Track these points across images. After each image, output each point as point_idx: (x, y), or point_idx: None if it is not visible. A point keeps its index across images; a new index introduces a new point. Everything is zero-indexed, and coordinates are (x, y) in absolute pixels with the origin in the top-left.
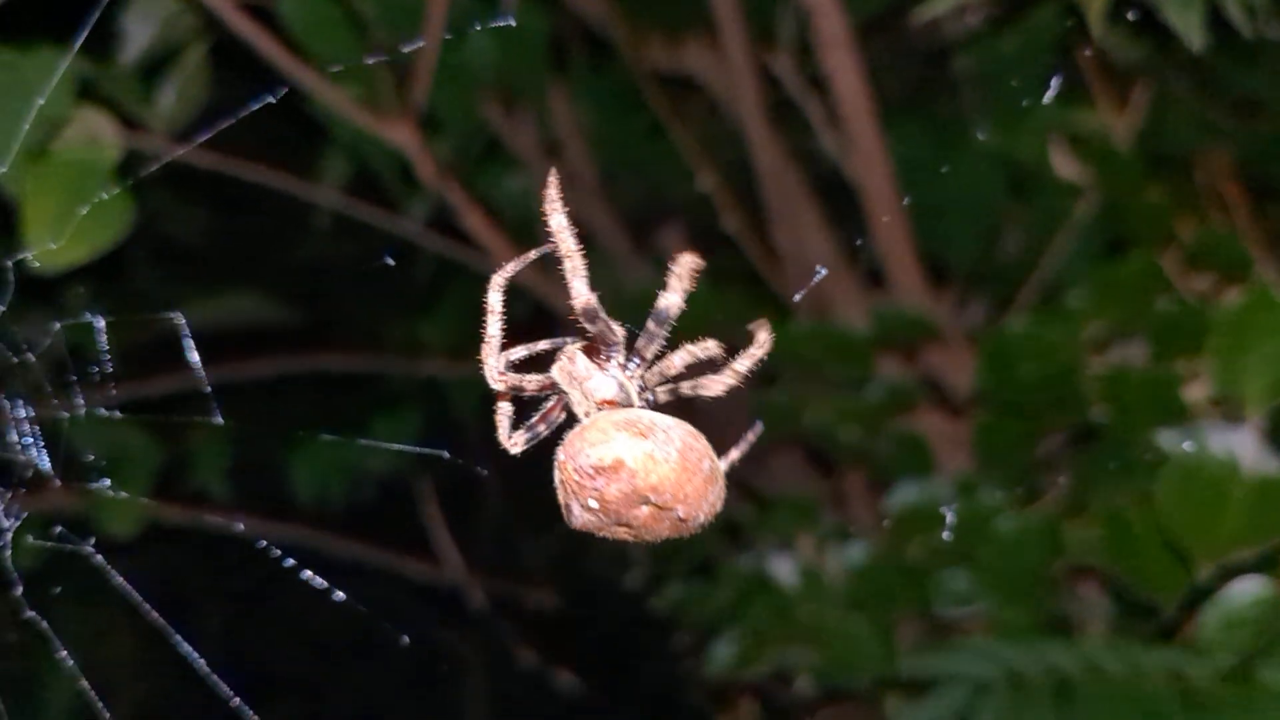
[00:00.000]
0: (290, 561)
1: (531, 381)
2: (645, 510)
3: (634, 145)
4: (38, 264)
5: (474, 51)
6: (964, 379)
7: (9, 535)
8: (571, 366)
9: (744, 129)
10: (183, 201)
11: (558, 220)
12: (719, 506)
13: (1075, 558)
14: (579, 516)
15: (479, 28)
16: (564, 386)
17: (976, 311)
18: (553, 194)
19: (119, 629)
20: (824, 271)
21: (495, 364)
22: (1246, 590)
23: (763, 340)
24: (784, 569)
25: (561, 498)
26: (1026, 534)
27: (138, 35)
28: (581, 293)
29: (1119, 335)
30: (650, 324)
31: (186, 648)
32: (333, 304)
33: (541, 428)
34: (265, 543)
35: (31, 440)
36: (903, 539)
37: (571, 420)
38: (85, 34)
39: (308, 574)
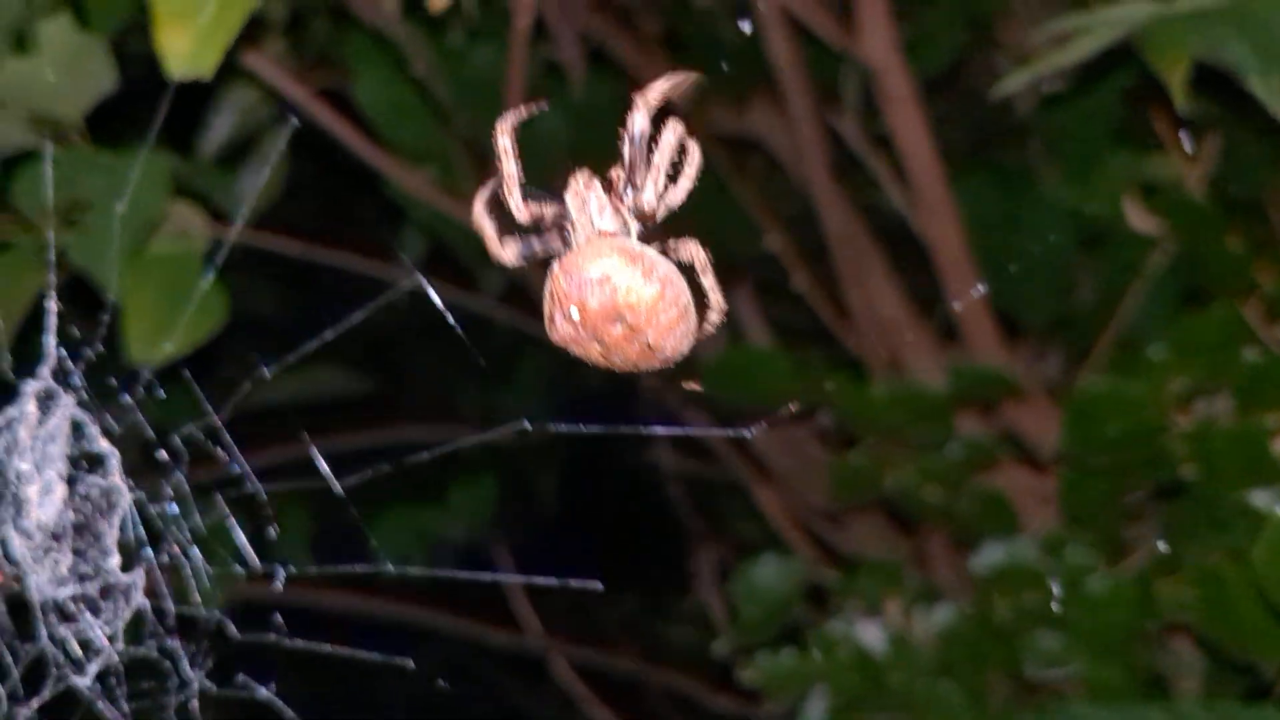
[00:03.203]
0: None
1: (549, 209)
2: (619, 329)
3: (701, 207)
4: (140, 361)
5: (545, 128)
6: (1045, 433)
7: (195, 686)
8: (585, 192)
9: (810, 188)
10: (264, 278)
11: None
12: (684, 347)
13: (1168, 616)
14: (560, 328)
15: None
16: (571, 209)
17: (1053, 363)
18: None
19: None
20: (982, 290)
21: (519, 196)
22: None
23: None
24: (871, 633)
25: (547, 309)
26: (1118, 593)
27: (219, 126)
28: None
29: (1204, 390)
30: (626, 150)
31: None
32: (409, 376)
33: (536, 246)
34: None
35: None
36: (991, 600)
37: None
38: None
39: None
